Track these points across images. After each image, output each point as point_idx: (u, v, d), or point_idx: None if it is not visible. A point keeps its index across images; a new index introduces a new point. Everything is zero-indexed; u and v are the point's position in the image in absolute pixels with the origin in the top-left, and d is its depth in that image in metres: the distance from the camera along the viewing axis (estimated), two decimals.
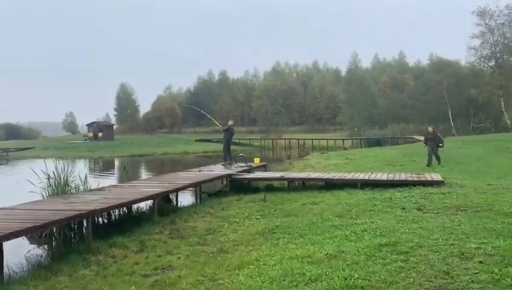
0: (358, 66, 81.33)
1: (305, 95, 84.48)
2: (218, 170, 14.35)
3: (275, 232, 7.30)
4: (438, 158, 17.31)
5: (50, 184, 9.30)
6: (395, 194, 10.26)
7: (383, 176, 11.99)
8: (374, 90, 62.07)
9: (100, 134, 61.43)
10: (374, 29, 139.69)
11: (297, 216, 8.60)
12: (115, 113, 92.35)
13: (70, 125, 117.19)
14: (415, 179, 11.34)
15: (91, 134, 61.98)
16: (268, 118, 76.43)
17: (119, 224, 8.82)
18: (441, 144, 17.51)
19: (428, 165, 16.89)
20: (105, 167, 33.83)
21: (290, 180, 12.57)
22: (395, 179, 11.63)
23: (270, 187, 13.11)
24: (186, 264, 6.01)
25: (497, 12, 47.09)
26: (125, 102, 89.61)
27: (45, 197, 9.39)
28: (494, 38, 47.57)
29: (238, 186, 13.10)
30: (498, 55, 47.30)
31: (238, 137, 64.26)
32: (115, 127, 71.76)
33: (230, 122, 17.30)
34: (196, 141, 58.07)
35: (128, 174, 11.30)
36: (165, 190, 9.53)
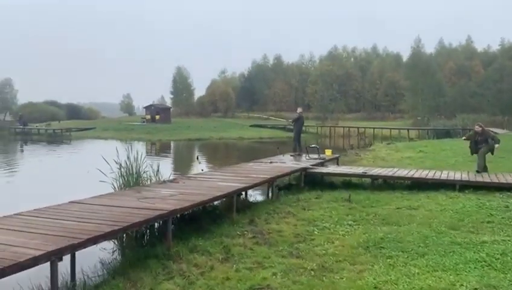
0: (421, 51, 76.82)
1: (363, 80, 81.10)
2: (290, 161, 13.29)
3: (382, 247, 6.15)
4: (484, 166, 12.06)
5: (122, 174, 8.60)
6: (509, 201, 8.77)
7: (484, 177, 10.41)
8: (440, 77, 58.18)
9: (157, 116, 62.00)
10: (439, 13, 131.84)
11: (399, 225, 7.39)
12: (171, 96, 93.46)
13: (127, 107, 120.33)
14: None
15: (148, 116, 62.66)
16: (323, 104, 74.15)
17: (193, 220, 7.99)
18: (497, 145, 12.37)
19: (478, 171, 11.69)
20: (166, 150, 33.82)
21: (375, 178, 11.25)
22: (501, 181, 10.04)
23: (348, 183, 11.92)
24: (286, 285, 5.01)
25: None
26: (181, 85, 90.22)
27: (116, 188, 8.72)
28: None
29: (311, 181, 12.02)
30: None
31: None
32: (171, 110, 72.40)
33: (299, 110, 16.10)
34: (250, 126, 57.27)
35: (200, 163, 10.36)
36: (245, 185, 8.61)
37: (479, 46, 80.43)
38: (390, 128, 43.42)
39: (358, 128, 46.70)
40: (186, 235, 6.97)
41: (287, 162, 12.96)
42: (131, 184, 8.66)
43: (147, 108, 66.42)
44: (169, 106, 76.03)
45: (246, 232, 7.36)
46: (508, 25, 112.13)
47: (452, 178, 10.40)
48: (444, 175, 10.76)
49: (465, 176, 10.53)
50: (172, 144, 38.98)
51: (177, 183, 8.72)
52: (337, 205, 9.39)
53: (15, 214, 5.99)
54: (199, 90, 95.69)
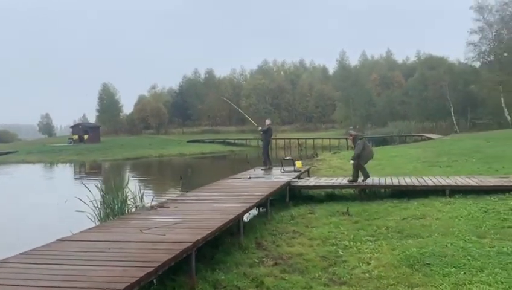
0: (346, 63, 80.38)
1: (294, 93, 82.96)
2: (267, 176, 12.60)
3: (428, 264, 5.65)
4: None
5: (104, 202, 7.39)
6: (508, 202, 8.78)
7: (469, 181, 10.47)
8: (369, 88, 61.02)
9: (86, 136, 58.42)
10: (359, 27, 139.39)
11: (421, 237, 6.98)
12: (97, 113, 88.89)
13: (46, 127, 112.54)
14: (510, 183, 9.86)
15: (76, 136, 58.83)
16: (258, 117, 74.63)
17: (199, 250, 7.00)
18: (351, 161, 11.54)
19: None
20: (111, 172, 31.49)
21: (362, 188, 10.91)
22: (484, 184, 10.12)
23: (331, 196, 11.47)
24: None
25: (495, 7, 46.69)
26: (107, 102, 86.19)
27: (96, 218, 7.48)
28: (493, 34, 47.15)
29: (293, 195, 11.44)
30: (497, 50, 46.86)
31: (232, 137, 62.53)
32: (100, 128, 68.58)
33: (268, 122, 15.50)
34: (188, 141, 55.83)
35: (184, 184, 9.35)
36: (249, 205, 7.77)
37: (399, 58, 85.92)
38: (330, 138, 44.39)
39: (298, 139, 47.24)
40: (199, 268, 6.01)
41: (265, 177, 12.26)
42: (116, 213, 7.45)
43: (74, 127, 62.53)
44: (98, 124, 71.86)
45: (263, 258, 6.55)
46: (421, 38, 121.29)
47: (441, 184, 10.31)
48: (432, 181, 10.67)
49: (453, 181, 10.50)
50: (106, 165, 36.53)
51: (169, 209, 7.67)
52: (338, 219, 8.87)
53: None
54: (127, 107, 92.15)
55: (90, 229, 6.32)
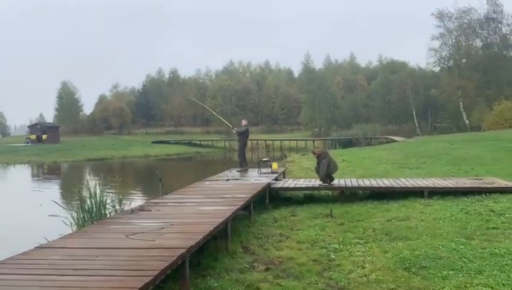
0: (311, 66, 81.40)
1: (260, 95, 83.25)
2: (245, 177, 12.37)
3: (425, 267, 5.59)
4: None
5: (82, 206, 6.94)
6: (487, 203, 8.93)
7: (448, 183, 10.63)
8: (335, 90, 61.99)
9: (44, 136, 56.06)
10: (323, 31, 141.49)
11: (409, 239, 6.95)
12: (56, 113, 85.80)
13: (0, 127, 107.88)
14: (487, 185, 10.08)
15: (34, 136, 56.36)
16: (224, 118, 74.24)
17: None
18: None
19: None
20: (74, 174, 30.24)
21: (342, 190, 10.89)
22: (461, 185, 10.31)
23: (310, 197, 11.39)
24: None
25: (455, 15, 48.50)
26: (67, 101, 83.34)
27: (73, 224, 7.03)
28: (453, 40, 48.94)
29: (270, 198, 11.26)
30: (456, 56, 48.67)
31: (197, 138, 61.83)
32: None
33: (244, 122, 15.25)
34: (153, 142, 54.69)
35: (164, 188, 8.98)
36: (236, 207, 7.49)
37: (362, 62, 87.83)
38: (297, 140, 44.66)
39: (265, 140, 47.26)
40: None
41: (243, 179, 12.02)
42: (94, 217, 7.02)
43: (32, 127, 60.06)
44: (57, 124, 69.22)
45: (254, 263, 6.32)
46: (384, 42, 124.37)
47: (419, 185, 10.42)
48: (410, 183, 10.77)
49: (430, 183, 10.64)
50: (67, 166, 35.16)
51: (151, 212, 7.30)
52: (322, 221, 8.76)
53: None
54: (87, 107, 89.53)
55: (70, 235, 5.90)
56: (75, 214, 7.18)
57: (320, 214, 9.41)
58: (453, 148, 23.36)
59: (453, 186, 10.25)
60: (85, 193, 7.49)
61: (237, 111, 76.91)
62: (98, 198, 7.15)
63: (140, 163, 36.48)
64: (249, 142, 47.54)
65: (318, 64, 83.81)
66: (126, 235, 5.65)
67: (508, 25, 50.82)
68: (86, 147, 48.27)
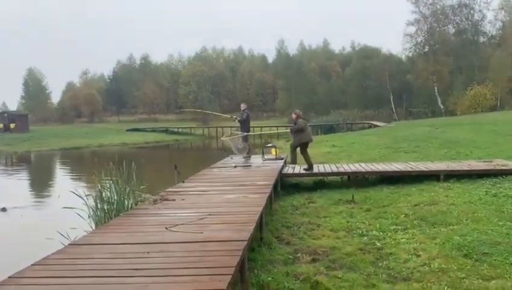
0: (286, 52, 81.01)
1: (235, 81, 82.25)
2: (250, 164, 11.90)
3: (486, 253, 5.33)
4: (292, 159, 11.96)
5: (102, 196, 6.34)
6: (509, 185, 8.82)
7: (462, 165, 10.51)
8: (312, 76, 61.85)
9: (12, 125, 53.63)
10: (296, 17, 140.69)
11: (451, 224, 6.70)
12: (22, 101, 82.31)
13: None
14: (503, 168, 10.01)
15: (1, 125, 53.83)
16: (198, 105, 72.97)
17: None
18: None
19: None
20: (60, 163, 28.86)
21: (357, 175, 10.61)
22: (475, 168, 10.20)
23: (321, 183, 11.07)
24: None
25: (430, 1, 49.00)
26: (34, 89, 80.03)
27: (92, 216, 6.42)
28: (427, 26, 49.51)
29: (282, 184, 10.88)
30: (431, 42, 49.31)
31: (173, 125, 60.60)
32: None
33: (243, 106, 14.69)
34: (127, 130, 53.22)
35: (180, 176, 8.42)
36: (266, 195, 7.05)
37: (335, 48, 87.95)
38: (277, 127, 44.32)
39: (253, 127, 46.54)
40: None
41: (252, 165, 11.57)
42: (116, 209, 6.42)
43: None
44: (26, 112, 66.34)
45: (297, 254, 5.91)
46: (356, 28, 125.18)
47: (434, 169, 10.24)
48: (426, 166, 10.59)
49: (444, 166, 10.49)
50: (44, 155, 33.67)
51: (175, 202, 6.77)
52: (346, 208, 8.46)
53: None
54: (54, 95, 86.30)
55: (102, 228, 5.32)
56: (92, 205, 6.55)
57: (340, 200, 9.10)
58: (440, 132, 23.52)
59: (468, 169, 10.12)
60: (96, 183, 6.86)
61: (212, 98, 75.80)
62: (118, 187, 6.53)
63: (121, 151, 35.21)
64: (228, 130, 46.72)
65: (292, 50, 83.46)
66: (166, 228, 5.13)
67: (480, 11, 51.85)
68: (58, 135, 46.46)
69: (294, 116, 11.61)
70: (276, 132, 35.51)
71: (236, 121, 14.27)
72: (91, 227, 6.65)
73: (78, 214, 6.63)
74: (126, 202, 6.46)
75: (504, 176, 9.66)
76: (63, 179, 20.19)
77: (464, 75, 49.59)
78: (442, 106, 47.93)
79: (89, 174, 20.83)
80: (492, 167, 10.12)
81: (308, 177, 11.16)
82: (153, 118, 74.28)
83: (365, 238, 6.47)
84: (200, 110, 19.66)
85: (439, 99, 48.22)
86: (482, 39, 54.91)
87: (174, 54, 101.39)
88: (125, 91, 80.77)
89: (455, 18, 53.90)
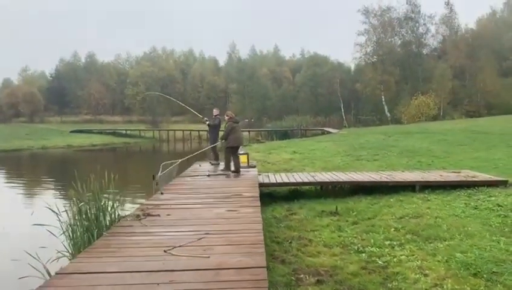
0: (238, 56, 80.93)
1: (185, 84, 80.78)
2: (222, 173, 11.40)
3: (495, 272, 5.23)
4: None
5: (80, 211, 5.65)
6: (485, 198, 8.97)
7: (434, 176, 10.64)
8: (265, 81, 62.02)
9: None
10: (245, 21, 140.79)
11: (445, 240, 6.61)
12: None
13: None
14: (474, 179, 10.24)
15: None
16: (151, 106, 70.89)
17: None
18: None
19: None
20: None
21: (330, 184, 10.45)
22: (449, 179, 10.36)
23: (296, 193, 10.81)
24: None
25: (379, 12, 50.76)
26: None
27: (69, 236, 5.72)
28: (376, 37, 51.23)
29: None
30: (380, 52, 51.06)
31: (119, 127, 58.32)
32: None
33: (216, 112, 14.16)
34: (71, 132, 50.53)
35: (159, 187, 7.81)
36: (258, 209, 6.61)
37: (286, 55, 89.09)
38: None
39: (199, 131, 45.81)
40: None
41: (224, 174, 11.07)
42: (97, 227, 5.73)
43: None
44: None
45: (299, 275, 5.54)
46: (304, 37, 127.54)
47: (410, 179, 10.30)
48: (400, 177, 10.62)
49: (420, 177, 10.57)
50: None
51: (160, 217, 6.18)
52: (331, 220, 8.21)
53: None
54: None
55: (88, 252, 4.64)
56: (66, 221, 5.81)
57: (323, 211, 8.85)
58: (395, 140, 24.13)
59: (443, 180, 10.25)
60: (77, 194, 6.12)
61: (161, 100, 73.90)
62: (97, 199, 5.85)
63: (66, 155, 33.28)
64: (179, 133, 45.67)
65: (243, 54, 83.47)
66: (165, 251, 4.58)
67: (425, 24, 54.40)
68: None
69: (226, 117, 11.74)
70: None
71: (206, 124, 13.68)
72: (65, 246, 5.93)
73: (50, 231, 5.87)
74: (107, 216, 5.78)
75: (476, 188, 9.87)
76: (14, 188, 18.47)
77: (409, 85, 51.72)
78: (388, 114, 49.66)
79: (44, 182, 19.39)
80: (464, 179, 10.30)
81: (281, 187, 10.84)
82: (99, 119, 71.23)
83: (364, 255, 6.23)
84: (176, 101, 18.82)
85: (386, 107, 49.93)
86: (425, 51, 57.60)
87: (122, 53, 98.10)
88: (69, 90, 77.03)
89: (401, 30, 56.16)
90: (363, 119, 51.32)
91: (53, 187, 17.28)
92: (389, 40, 54.46)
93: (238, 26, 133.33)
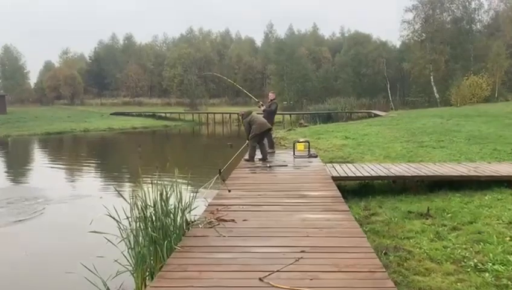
0: (276, 36, 79.05)
1: (222, 65, 79.84)
2: (283, 162, 10.31)
3: None
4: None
5: (146, 222, 4.69)
6: None
7: None
8: (306, 62, 60.13)
9: None
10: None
11: None
12: None
13: None
14: None
15: None
16: (190, 89, 70.50)
17: None
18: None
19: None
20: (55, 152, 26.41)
21: (418, 179, 9.15)
22: None
23: (368, 187, 9.60)
24: None
25: None
26: (10, 68, 76.12)
27: (131, 245, 4.77)
28: (425, 13, 48.33)
29: None
30: (429, 29, 48.19)
31: (158, 110, 58.27)
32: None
33: (272, 96, 13.06)
34: (111, 114, 50.77)
35: (226, 183, 6.77)
36: (345, 216, 5.47)
37: (325, 34, 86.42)
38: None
39: (238, 114, 44.82)
40: None
41: (285, 163, 9.98)
42: (165, 234, 4.76)
43: None
44: (3, 93, 62.84)
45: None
46: (346, 14, 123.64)
47: (506, 174, 8.86)
48: (491, 169, 9.22)
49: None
50: (15, 140, 31.23)
51: (237, 224, 5.15)
52: (425, 224, 6.96)
53: None
54: (32, 75, 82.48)
55: (162, 277, 3.65)
56: (126, 226, 4.87)
57: (409, 212, 7.61)
58: (455, 125, 22.26)
59: None
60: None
61: (198, 82, 73.44)
62: (163, 198, 4.87)
63: (111, 137, 33.14)
64: (219, 116, 44.93)
65: (281, 34, 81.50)
66: (260, 279, 3.53)
67: None
68: (38, 118, 43.79)
69: (240, 115, 11.54)
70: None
71: (262, 109, 12.59)
72: (124, 255, 4.99)
73: (108, 239, 4.93)
74: (177, 218, 4.82)
75: None
76: (68, 174, 17.84)
77: (459, 65, 48.76)
78: (437, 96, 47.05)
79: (106, 170, 18.89)
80: None
81: (354, 181, 9.65)
82: (137, 101, 71.60)
83: (487, 275, 4.99)
84: (233, 83, 18.16)
85: (435, 88, 47.30)
86: (476, 28, 54.10)
87: (159, 34, 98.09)
88: (107, 72, 77.75)
89: (451, 6, 52.84)
90: (410, 101, 48.85)
91: (118, 174, 16.65)
92: (438, 16, 51.29)
93: (274, 4, 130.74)
